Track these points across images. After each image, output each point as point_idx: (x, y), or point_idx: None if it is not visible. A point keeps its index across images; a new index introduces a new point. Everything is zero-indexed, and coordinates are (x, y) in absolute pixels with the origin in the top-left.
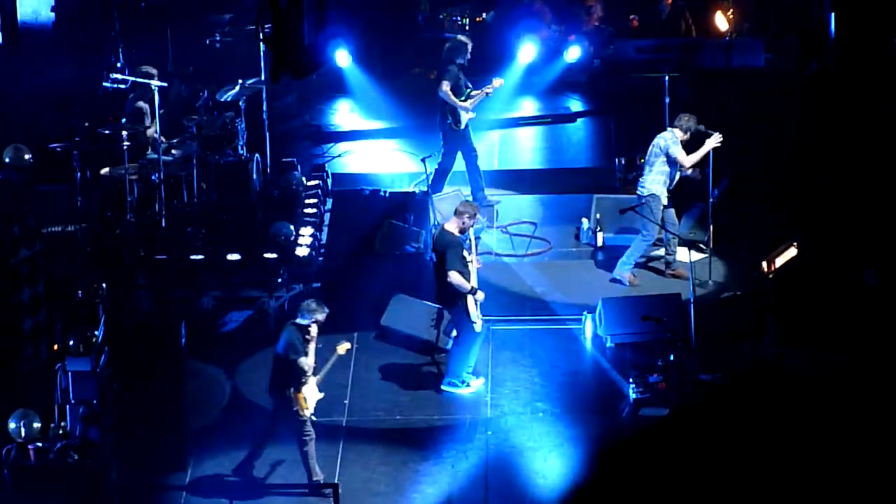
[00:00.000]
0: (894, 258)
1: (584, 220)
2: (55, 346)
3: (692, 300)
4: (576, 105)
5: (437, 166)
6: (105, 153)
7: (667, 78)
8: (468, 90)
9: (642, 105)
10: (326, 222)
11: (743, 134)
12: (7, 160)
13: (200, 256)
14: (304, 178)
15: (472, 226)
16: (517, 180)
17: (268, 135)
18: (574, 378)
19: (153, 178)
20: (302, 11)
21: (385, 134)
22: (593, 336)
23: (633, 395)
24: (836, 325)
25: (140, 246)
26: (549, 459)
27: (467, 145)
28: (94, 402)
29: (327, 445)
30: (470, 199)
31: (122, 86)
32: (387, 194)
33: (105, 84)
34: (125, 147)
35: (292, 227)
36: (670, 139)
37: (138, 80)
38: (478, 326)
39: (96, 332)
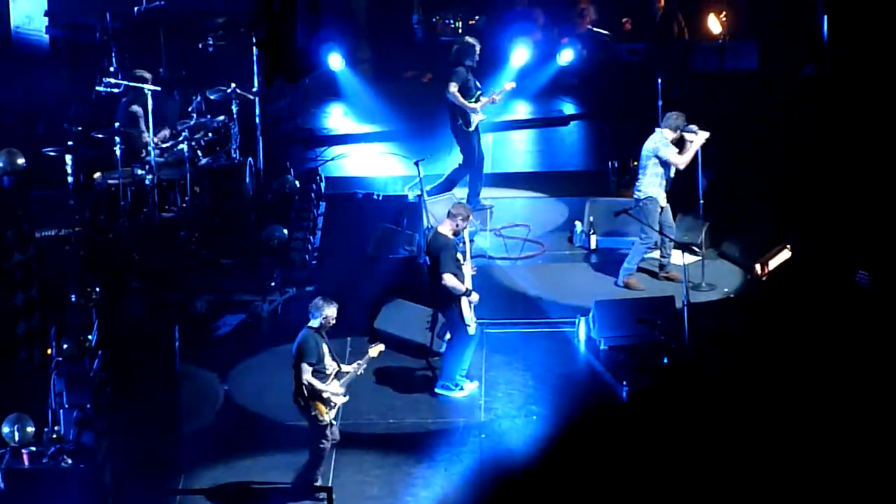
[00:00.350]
0: (888, 260)
1: (578, 223)
2: (49, 350)
3: (685, 302)
4: (569, 108)
5: (464, 171)
6: (98, 157)
7: (659, 81)
8: (478, 91)
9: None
10: (320, 226)
11: (736, 136)
12: (0, 164)
13: (194, 260)
14: (297, 182)
15: (466, 228)
16: (510, 183)
17: (261, 138)
18: (568, 381)
19: (146, 182)
20: (295, 15)
21: (378, 137)
22: (587, 339)
23: (626, 398)
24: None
25: (133, 250)
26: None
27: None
28: (88, 406)
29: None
30: (464, 201)
31: (116, 90)
32: (380, 198)
33: (98, 88)
34: (118, 151)
35: (285, 231)
36: (660, 141)
37: (131, 84)
38: (471, 329)
39: (90, 336)
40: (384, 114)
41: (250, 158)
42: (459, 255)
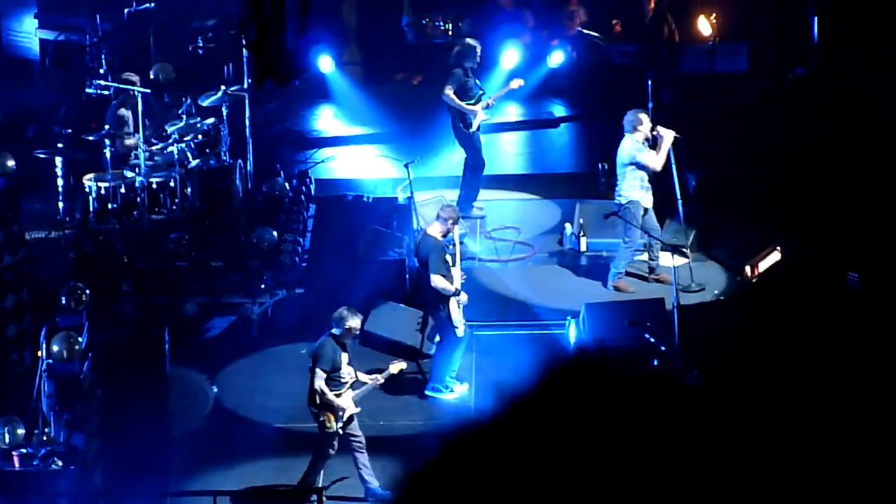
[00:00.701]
0: (878, 262)
1: (568, 226)
2: (39, 353)
3: (675, 305)
4: (559, 110)
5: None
6: (89, 160)
7: (649, 82)
8: (480, 92)
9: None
10: (310, 228)
11: (726, 137)
12: None
13: (184, 263)
14: (287, 184)
15: (455, 230)
16: (501, 185)
17: (251, 141)
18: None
19: (136, 184)
20: (285, 17)
21: (368, 139)
22: (577, 341)
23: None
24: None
25: (123, 252)
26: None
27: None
28: (78, 408)
29: (310, 453)
30: (454, 203)
31: (106, 92)
32: (370, 200)
33: (88, 91)
34: (108, 154)
35: (275, 233)
36: (633, 147)
37: (121, 86)
38: (460, 331)
39: (80, 339)
40: (374, 116)
41: (240, 161)
42: (448, 257)
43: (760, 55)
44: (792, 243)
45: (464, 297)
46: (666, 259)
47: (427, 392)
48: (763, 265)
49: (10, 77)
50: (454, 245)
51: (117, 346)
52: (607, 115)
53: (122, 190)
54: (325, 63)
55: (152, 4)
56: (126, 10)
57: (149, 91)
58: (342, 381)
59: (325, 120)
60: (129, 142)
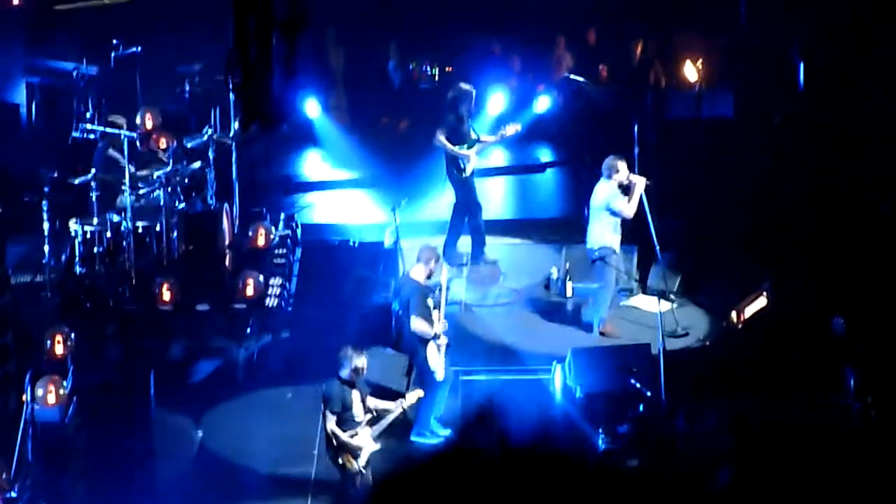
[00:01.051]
0: (864, 307)
1: (554, 270)
2: (24, 397)
3: (661, 350)
4: (545, 155)
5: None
6: (75, 203)
7: (636, 127)
8: (475, 137)
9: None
10: (296, 272)
11: (712, 182)
12: None
13: (169, 307)
14: (273, 228)
15: (438, 271)
16: (487, 230)
17: (237, 184)
18: (543, 428)
19: (122, 228)
20: (271, 61)
21: (354, 184)
22: (563, 386)
23: (602, 446)
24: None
25: (109, 296)
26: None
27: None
28: (63, 451)
29: (295, 497)
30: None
31: (92, 135)
32: (356, 244)
33: (75, 134)
34: (94, 197)
35: (261, 277)
36: (610, 194)
37: (108, 130)
38: (439, 375)
39: (65, 383)
40: (361, 160)
41: (226, 204)
42: (431, 301)
43: (746, 100)
44: (777, 289)
45: (443, 339)
46: (652, 304)
47: (412, 438)
48: (749, 310)
49: None
50: (440, 290)
51: (102, 390)
52: (594, 160)
53: (108, 234)
54: (312, 107)
55: (139, 48)
56: (112, 55)
57: (134, 135)
58: (356, 420)
59: (312, 164)
60: (143, 172)
